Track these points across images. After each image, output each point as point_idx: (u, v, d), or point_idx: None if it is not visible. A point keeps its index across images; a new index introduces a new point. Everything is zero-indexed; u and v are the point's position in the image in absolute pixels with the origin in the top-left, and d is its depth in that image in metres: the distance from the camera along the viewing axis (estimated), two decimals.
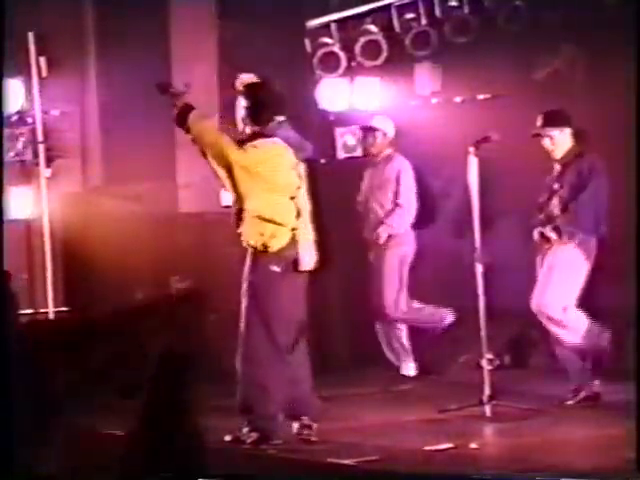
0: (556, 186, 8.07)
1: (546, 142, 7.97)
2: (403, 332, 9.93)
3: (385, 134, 9.81)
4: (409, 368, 9.84)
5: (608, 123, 9.55)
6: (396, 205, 9.56)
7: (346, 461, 6.48)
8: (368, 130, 10.18)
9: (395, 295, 9.68)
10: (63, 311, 9.99)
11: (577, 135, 8.21)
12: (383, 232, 9.54)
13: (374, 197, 9.82)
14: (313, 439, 7.11)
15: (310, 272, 7.39)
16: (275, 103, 7.29)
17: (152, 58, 10.41)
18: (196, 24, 10.66)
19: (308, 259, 7.31)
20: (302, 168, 7.37)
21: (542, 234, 8.24)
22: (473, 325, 8.32)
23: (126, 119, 10.60)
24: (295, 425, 7.18)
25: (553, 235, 8.19)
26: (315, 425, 7.20)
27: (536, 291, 7.91)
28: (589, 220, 8.10)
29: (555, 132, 7.96)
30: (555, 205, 8.02)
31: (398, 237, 9.68)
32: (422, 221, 9.80)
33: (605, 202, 8.12)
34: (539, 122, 7.97)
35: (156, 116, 9.44)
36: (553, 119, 8.02)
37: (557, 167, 8.14)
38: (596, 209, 8.14)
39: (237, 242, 7.44)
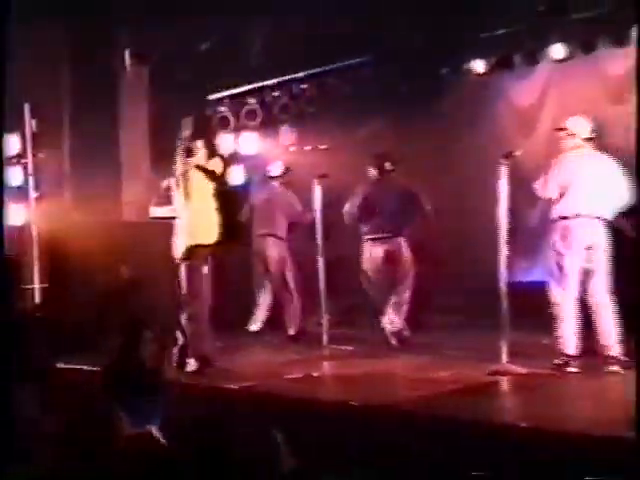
0: None
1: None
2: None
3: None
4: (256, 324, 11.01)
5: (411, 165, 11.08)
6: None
7: (233, 385, 7.66)
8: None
9: None
10: (45, 287, 10.65)
11: None
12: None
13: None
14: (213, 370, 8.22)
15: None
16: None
17: (106, 118, 11.71)
18: (135, 96, 12.26)
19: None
20: None
21: None
22: (318, 298, 9.62)
23: (88, 158, 11.41)
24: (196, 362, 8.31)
25: None
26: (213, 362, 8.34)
27: None
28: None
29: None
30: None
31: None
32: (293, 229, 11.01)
33: None
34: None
35: (109, 157, 11.75)
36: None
37: None
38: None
39: (161, 242, 8.78)
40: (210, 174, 8.49)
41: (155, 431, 3.74)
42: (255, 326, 11.04)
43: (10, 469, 3.73)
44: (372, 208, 9.91)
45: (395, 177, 10.06)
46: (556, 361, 7.85)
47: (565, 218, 7.94)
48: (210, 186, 8.48)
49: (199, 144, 8.58)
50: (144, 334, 5.57)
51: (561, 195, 7.99)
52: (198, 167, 8.49)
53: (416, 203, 9.82)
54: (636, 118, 4.96)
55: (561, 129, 8.23)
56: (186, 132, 8.53)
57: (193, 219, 8.38)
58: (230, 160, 10.73)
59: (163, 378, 4.09)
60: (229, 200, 8.69)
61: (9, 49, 6.00)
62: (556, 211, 8.05)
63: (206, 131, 9.53)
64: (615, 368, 7.65)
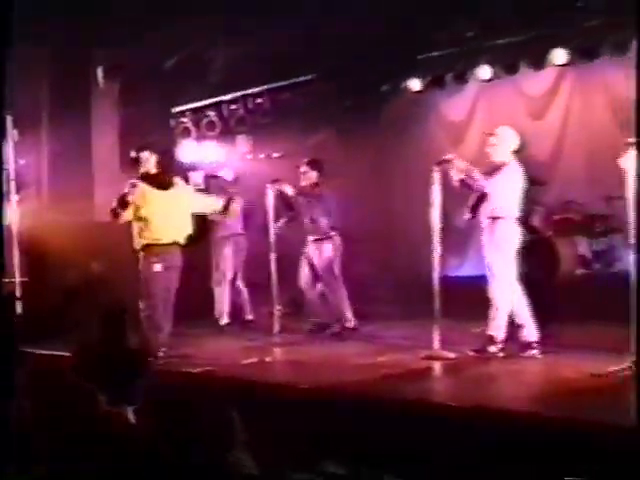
0: None
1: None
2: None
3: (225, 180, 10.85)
4: (224, 318, 10.65)
5: (353, 170, 11.74)
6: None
7: (195, 370, 7.67)
8: (211, 177, 11.23)
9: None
10: (25, 280, 10.35)
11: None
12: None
13: None
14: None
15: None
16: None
17: (80, 128, 11.46)
18: (107, 108, 12.12)
19: None
20: None
21: None
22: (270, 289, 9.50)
23: (64, 165, 11.32)
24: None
25: None
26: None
27: None
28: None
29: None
30: None
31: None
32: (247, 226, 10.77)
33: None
34: None
35: (83, 163, 11.60)
36: None
37: None
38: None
39: (127, 241, 8.61)
40: (157, 182, 8.53)
41: (129, 411, 3.70)
42: (223, 320, 10.73)
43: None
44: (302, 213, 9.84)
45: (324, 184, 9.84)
46: (478, 347, 7.92)
47: (491, 219, 7.94)
48: (157, 193, 8.48)
49: (147, 154, 8.60)
50: (126, 320, 5.21)
51: (486, 199, 8.01)
52: (146, 176, 8.54)
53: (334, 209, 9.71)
54: (635, 121, 4.62)
55: (491, 134, 8.21)
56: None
57: (145, 221, 8.41)
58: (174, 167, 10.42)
59: (145, 361, 4.05)
60: (178, 205, 8.57)
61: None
62: (484, 213, 8.04)
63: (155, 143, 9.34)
64: (534, 352, 7.70)
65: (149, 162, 8.53)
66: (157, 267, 8.32)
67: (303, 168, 9.66)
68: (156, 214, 8.35)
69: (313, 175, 9.63)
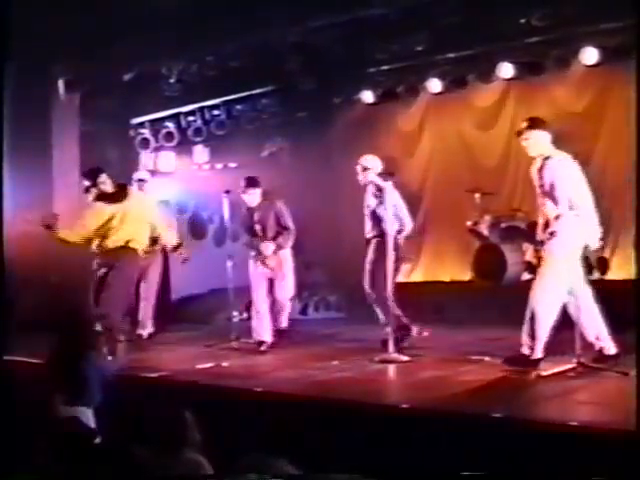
0: None
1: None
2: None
3: None
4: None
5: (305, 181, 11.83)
6: None
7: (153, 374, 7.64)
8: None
9: None
10: None
11: None
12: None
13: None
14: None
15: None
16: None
17: (41, 140, 11.43)
18: (67, 120, 11.95)
19: None
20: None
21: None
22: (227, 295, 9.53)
23: (25, 175, 10.44)
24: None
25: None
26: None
27: None
28: None
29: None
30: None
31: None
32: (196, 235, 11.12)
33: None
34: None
35: (43, 174, 11.49)
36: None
37: None
38: None
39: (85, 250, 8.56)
40: (113, 198, 8.52)
41: (86, 414, 3.69)
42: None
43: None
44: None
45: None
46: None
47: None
48: (112, 207, 8.48)
49: (104, 177, 8.59)
50: (82, 326, 5.60)
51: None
52: (102, 196, 8.54)
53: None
54: (636, 128, 4.69)
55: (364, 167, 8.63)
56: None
57: (102, 236, 8.44)
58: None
59: (98, 364, 4.00)
60: (133, 213, 8.54)
61: None
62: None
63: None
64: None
65: (105, 184, 8.51)
66: (102, 271, 8.28)
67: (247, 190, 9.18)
68: (111, 227, 8.37)
69: (257, 192, 9.18)
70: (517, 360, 6.79)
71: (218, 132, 12.50)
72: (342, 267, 11.86)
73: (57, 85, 11.91)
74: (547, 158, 6.76)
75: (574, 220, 6.63)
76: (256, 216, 9.06)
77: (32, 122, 11.18)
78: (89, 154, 11.39)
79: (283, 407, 6.21)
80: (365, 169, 8.58)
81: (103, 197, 8.45)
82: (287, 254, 9.21)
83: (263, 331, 8.99)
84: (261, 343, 8.94)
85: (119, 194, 8.50)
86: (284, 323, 9.36)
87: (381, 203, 8.34)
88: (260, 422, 5.97)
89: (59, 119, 11.95)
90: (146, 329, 9.99)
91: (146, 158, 12.88)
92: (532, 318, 6.66)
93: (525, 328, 6.71)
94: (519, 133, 6.98)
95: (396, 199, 8.46)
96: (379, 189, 8.42)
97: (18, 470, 3.32)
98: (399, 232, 8.50)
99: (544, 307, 6.65)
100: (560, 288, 6.65)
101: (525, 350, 6.75)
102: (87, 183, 8.52)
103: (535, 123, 6.96)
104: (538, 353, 6.72)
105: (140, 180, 10.01)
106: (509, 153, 11.41)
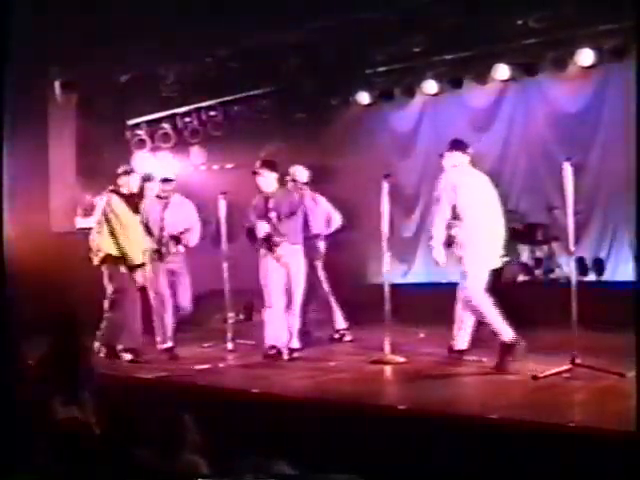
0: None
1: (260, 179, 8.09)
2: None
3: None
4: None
5: None
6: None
7: (149, 376, 7.65)
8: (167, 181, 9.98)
9: None
10: None
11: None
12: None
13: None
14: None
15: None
16: None
17: (39, 139, 11.39)
18: (64, 120, 11.96)
19: None
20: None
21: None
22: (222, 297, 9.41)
23: (22, 175, 10.19)
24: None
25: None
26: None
27: None
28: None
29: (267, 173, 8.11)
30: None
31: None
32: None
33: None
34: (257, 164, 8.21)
35: (40, 175, 11.49)
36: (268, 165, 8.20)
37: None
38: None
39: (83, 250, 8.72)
40: (132, 204, 8.67)
41: (85, 414, 3.69)
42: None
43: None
44: None
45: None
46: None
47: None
48: (130, 215, 8.63)
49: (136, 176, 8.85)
50: (76, 328, 5.22)
51: None
52: (126, 195, 8.62)
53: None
54: (636, 128, 4.66)
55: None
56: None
57: (116, 237, 8.52)
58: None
59: (91, 365, 4.03)
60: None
61: None
62: None
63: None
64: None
65: (133, 184, 8.69)
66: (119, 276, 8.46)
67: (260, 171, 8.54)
68: (129, 237, 8.50)
69: (272, 176, 8.59)
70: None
71: (215, 133, 12.45)
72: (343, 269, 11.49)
73: (54, 86, 11.92)
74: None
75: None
76: (271, 203, 8.43)
77: (29, 123, 11.13)
78: (85, 155, 11.51)
79: (281, 408, 6.21)
80: (293, 180, 9.13)
81: (125, 196, 8.60)
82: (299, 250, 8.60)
83: (279, 335, 8.40)
84: (273, 347, 8.40)
85: (136, 203, 8.70)
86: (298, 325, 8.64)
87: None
88: (258, 423, 5.96)
89: (56, 120, 11.94)
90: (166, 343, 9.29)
91: (142, 159, 12.76)
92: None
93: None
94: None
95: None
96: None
97: (18, 470, 3.29)
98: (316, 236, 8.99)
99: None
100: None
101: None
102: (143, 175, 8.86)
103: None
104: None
105: (165, 180, 9.39)
106: (505, 154, 11.40)
